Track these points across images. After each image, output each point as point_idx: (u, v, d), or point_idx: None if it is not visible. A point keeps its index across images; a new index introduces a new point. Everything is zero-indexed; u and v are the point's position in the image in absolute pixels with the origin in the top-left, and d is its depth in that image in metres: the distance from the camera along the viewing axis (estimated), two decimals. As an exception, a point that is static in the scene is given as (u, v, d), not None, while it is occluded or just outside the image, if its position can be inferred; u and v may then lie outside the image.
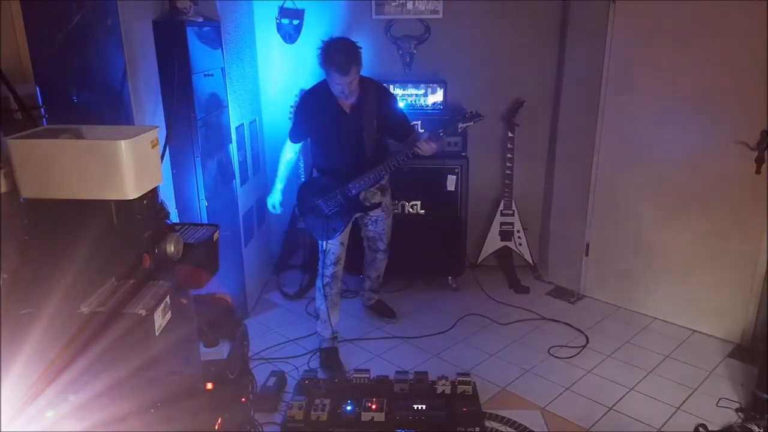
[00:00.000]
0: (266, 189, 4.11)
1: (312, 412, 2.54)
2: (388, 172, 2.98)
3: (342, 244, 3.12)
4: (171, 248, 1.41)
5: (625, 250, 3.70)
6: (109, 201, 1.24)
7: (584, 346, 3.32)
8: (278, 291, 3.99)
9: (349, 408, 2.56)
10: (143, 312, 1.21)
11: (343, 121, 2.95)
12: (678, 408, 2.77)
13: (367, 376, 2.82)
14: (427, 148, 2.87)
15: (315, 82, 3.04)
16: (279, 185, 3.21)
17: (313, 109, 2.98)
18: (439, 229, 3.86)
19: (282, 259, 4.26)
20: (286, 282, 4.09)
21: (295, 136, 3.12)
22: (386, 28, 3.94)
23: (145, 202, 1.31)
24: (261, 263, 4.00)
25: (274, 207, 3.24)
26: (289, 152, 3.16)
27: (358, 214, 3.15)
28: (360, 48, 2.78)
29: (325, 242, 3.06)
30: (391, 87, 3.43)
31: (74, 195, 1.22)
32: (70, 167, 1.21)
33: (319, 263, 3.14)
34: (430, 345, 3.34)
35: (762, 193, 3.05)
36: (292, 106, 3.82)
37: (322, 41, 2.79)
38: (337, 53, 2.71)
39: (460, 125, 2.95)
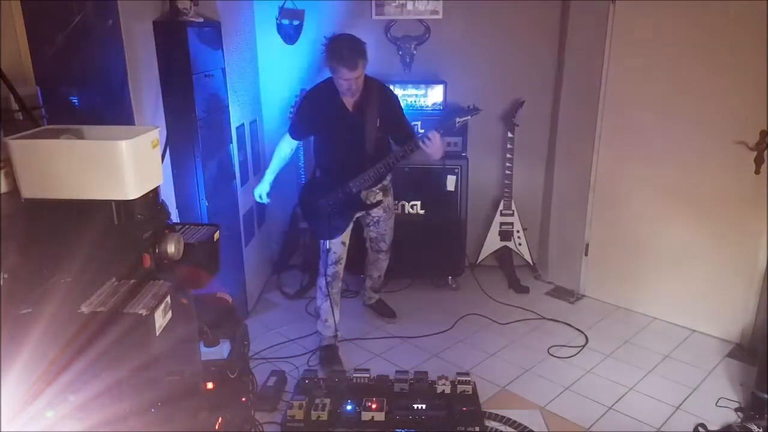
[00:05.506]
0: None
1: (312, 412, 2.54)
2: (387, 169, 2.98)
3: (343, 243, 3.12)
4: (171, 248, 1.41)
5: (624, 249, 3.70)
6: (110, 201, 1.25)
7: (584, 346, 3.32)
8: (278, 291, 4.00)
9: (349, 408, 2.57)
10: (144, 312, 1.21)
11: (346, 119, 2.95)
12: (677, 408, 2.78)
13: (367, 375, 2.82)
14: (437, 143, 2.82)
15: (316, 82, 3.04)
16: (269, 176, 3.15)
17: (317, 108, 2.98)
18: (439, 229, 3.85)
19: (282, 259, 4.26)
20: (286, 282, 4.09)
21: (296, 133, 3.10)
22: (386, 29, 3.94)
23: (150, 201, 1.32)
24: (261, 263, 4.00)
25: (260, 197, 3.18)
26: (287, 148, 3.13)
27: (359, 214, 3.16)
28: (365, 44, 2.78)
29: (327, 241, 3.07)
30: (391, 87, 3.43)
31: (74, 195, 1.23)
32: (70, 167, 1.21)
33: (321, 262, 3.14)
34: (430, 345, 3.34)
35: (762, 193, 3.05)
36: (292, 106, 3.83)
37: (327, 37, 2.78)
38: (345, 48, 2.71)
39: (458, 119, 2.95)
